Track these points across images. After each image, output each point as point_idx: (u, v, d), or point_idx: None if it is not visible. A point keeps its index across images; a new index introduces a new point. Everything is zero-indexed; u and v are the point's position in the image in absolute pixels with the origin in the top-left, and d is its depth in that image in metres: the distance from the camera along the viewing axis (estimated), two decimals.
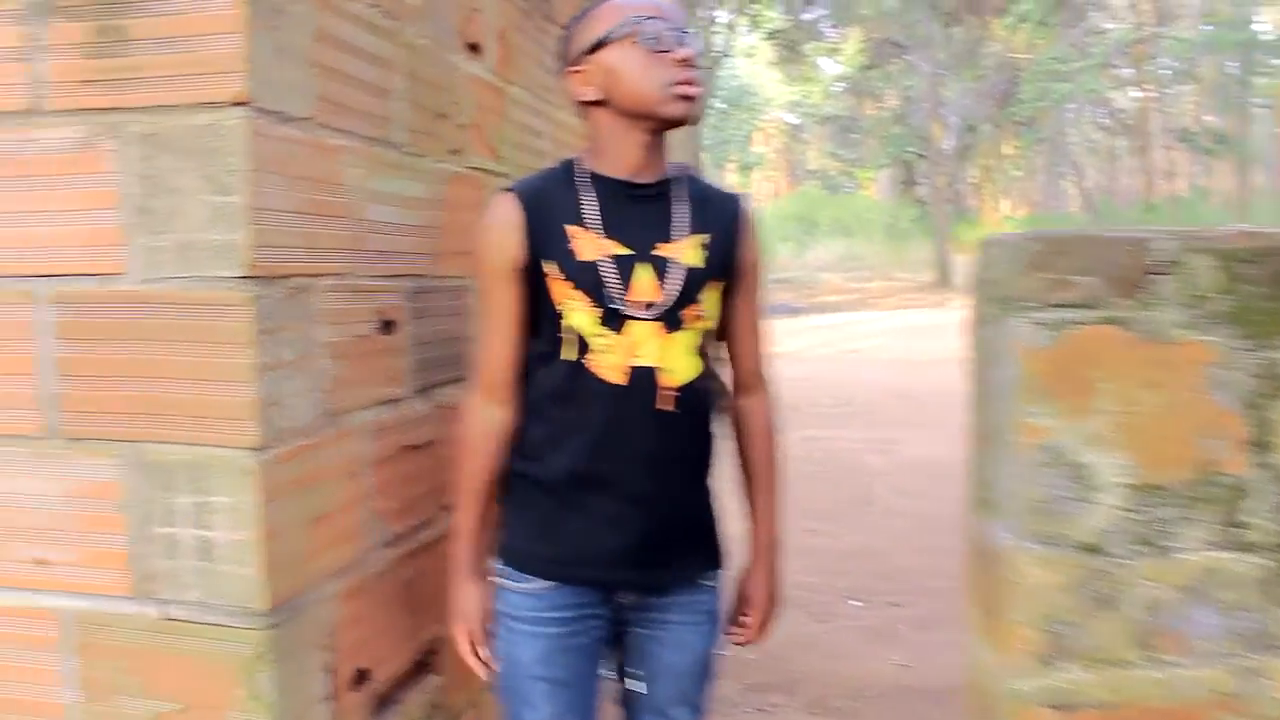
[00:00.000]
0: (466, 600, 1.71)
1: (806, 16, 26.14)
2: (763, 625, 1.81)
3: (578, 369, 1.60)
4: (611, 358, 1.58)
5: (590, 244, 1.59)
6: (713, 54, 22.37)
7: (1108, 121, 32.31)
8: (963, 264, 25.96)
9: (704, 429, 1.70)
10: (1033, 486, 1.36)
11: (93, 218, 1.47)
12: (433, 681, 2.06)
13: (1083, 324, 1.33)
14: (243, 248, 1.41)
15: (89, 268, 1.48)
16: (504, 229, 1.61)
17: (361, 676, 1.76)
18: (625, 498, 1.62)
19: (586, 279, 1.58)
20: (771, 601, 1.80)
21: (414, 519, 1.95)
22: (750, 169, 48.93)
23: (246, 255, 1.41)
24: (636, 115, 1.59)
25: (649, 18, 1.57)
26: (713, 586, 1.76)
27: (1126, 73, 28.48)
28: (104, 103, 1.44)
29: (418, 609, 1.98)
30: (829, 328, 16.15)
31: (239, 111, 1.40)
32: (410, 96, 1.88)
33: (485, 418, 1.68)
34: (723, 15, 23.93)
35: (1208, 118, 30.05)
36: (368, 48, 1.72)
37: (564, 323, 1.60)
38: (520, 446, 1.69)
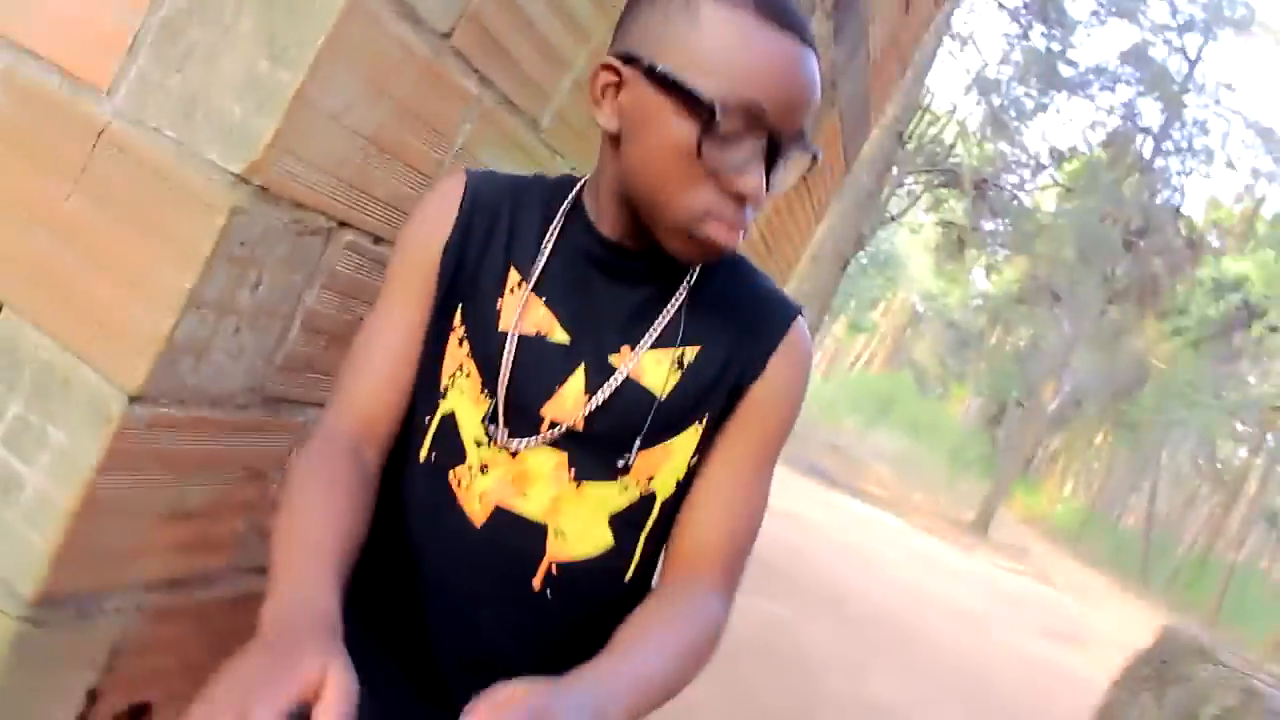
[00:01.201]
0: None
1: (985, 225, 25.79)
2: None
3: (433, 479, 1.05)
4: (482, 482, 1.03)
5: (518, 306, 1.03)
6: (885, 216, 22.05)
7: (1205, 464, 31.50)
8: (1006, 521, 25.29)
9: (598, 632, 1.00)
10: None
11: (105, 6, 1.06)
12: None
13: None
14: (261, 142, 0.99)
15: (70, 65, 1.06)
16: (439, 218, 1.06)
17: (136, 713, 1.31)
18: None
19: (492, 356, 1.03)
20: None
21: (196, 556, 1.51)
22: (859, 330, 48.49)
23: (261, 156, 0.99)
24: (638, 204, 0.99)
25: (750, 103, 0.91)
26: None
27: (1248, 430, 27.71)
28: None
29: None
30: (857, 514, 15.58)
31: None
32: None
33: (341, 451, 1.01)
34: (911, 184, 23.70)
35: None
36: None
37: (441, 402, 1.05)
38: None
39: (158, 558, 1.18)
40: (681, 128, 0.92)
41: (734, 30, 0.90)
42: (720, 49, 0.90)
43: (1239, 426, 26.86)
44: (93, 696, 1.20)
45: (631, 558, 1.05)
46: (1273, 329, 22.81)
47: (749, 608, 6.40)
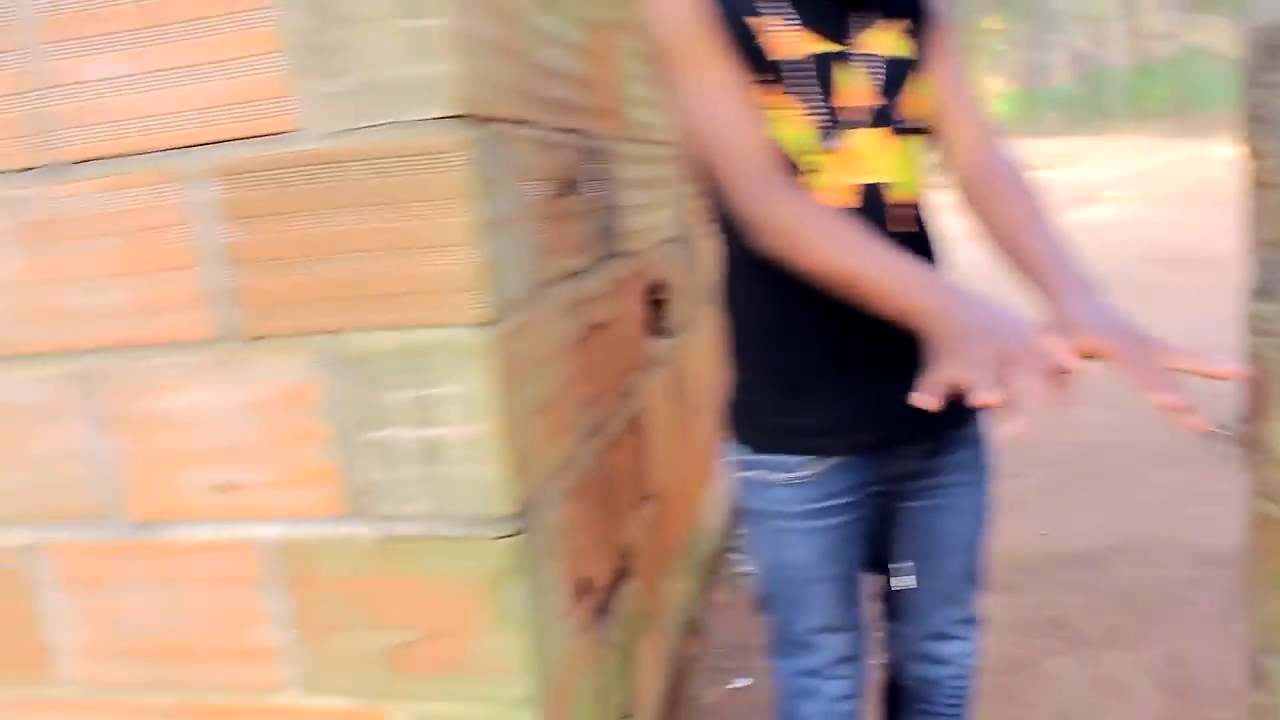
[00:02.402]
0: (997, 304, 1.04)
1: None
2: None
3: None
4: (832, 177, 1.25)
5: (786, 38, 1.23)
6: None
7: None
8: None
9: (940, 250, 1.37)
10: None
11: (249, 66, 1.20)
12: (632, 586, 1.85)
13: None
14: (453, 81, 1.15)
15: (251, 129, 1.21)
16: None
17: (585, 586, 1.54)
18: (885, 341, 1.20)
19: (793, 80, 1.23)
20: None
21: (606, 408, 1.72)
22: None
23: (459, 90, 1.15)
24: None
25: None
26: (981, 435, 1.43)
27: None
28: None
29: (616, 509, 1.76)
30: None
31: None
32: None
33: (793, 190, 1.20)
34: None
35: None
36: None
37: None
38: (744, 308, 1.35)
39: (548, 449, 1.39)
40: None
41: None
42: None
43: None
44: (565, 580, 1.43)
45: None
46: None
47: None
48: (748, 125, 1.21)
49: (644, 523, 2.00)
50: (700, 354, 2.85)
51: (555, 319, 1.45)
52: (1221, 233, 11.11)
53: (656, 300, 2.23)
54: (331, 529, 1.29)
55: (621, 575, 1.78)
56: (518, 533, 1.26)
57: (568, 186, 1.54)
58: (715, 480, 3.06)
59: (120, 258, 1.27)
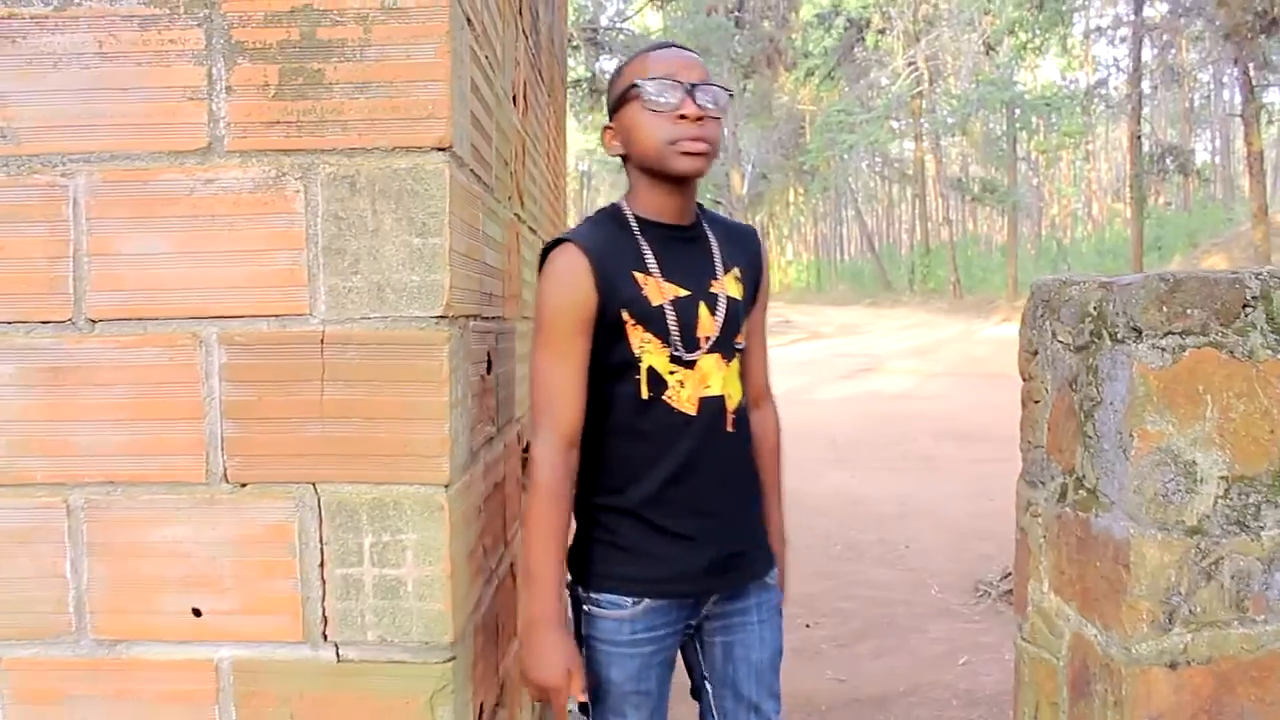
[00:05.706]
0: (563, 649, 1.66)
1: (605, 65, 26.70)
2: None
3: (655, 405, 1.70)
4: (685, 391, 1.70)
5: (655, 289, 1.69)
6: None
7: (886, 171, 34.42)
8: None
9: (750, 444, 1.85)
10: (1151, 482, 1.57)
11: (272, 259, 1.47)
12: (502, 714, 2.09)
13: (1193, 348, 1.56)
14: (445, 288, 1.45)
15: (266, 309, 1.48)
16: (577, 280, 1.65)
17: (481, 710, 1.79)
18: (706, 514, 1.75)
19: (659, 323, 1.68)
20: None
21: (497, 555, 1.99)
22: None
23: (447, 296, 1.46)
24: (650, 171, 1.71)
25: (652, 78, 1.64)
26: (774, 584, 1.92)
27: (904, 125, 30.49)
28: (290, 144, 1.46)
29: (499, 644, 2.02)
30: None
31: (440, 156, 1.45)
32: (497, 143, 1.95)
33: (566, 464, 1.67)
34: None
35: (975, 169, 32.53)
36: (485, 95, 1.79)
37: (641, 365, 1.69)
38: (598, 479, 1.76)
39: (470, 590, 1.65)
40: (635, 111, 1.68)
41: (645, 56, 1.71)
42: (630, 70, 1.71)
43: (895, 125, 29.51)
44: (473, 703, 1.68)
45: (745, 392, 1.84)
46: (881, 32, 24.98)
47: None
48: (566, 399, 1.66)
49: (513, 658, 2.25)
50: None
51: (480, 480, 1.74)
52: (990, 406, 12.27)
53: (524, 458, 2.53)
54: (288, 652, 1.51)
55: (498, 704, 2.03)
56: (452, 658, 1.51)
57: (489, 366, 1.85)
58: None
59: (127, 405, 1.49)
